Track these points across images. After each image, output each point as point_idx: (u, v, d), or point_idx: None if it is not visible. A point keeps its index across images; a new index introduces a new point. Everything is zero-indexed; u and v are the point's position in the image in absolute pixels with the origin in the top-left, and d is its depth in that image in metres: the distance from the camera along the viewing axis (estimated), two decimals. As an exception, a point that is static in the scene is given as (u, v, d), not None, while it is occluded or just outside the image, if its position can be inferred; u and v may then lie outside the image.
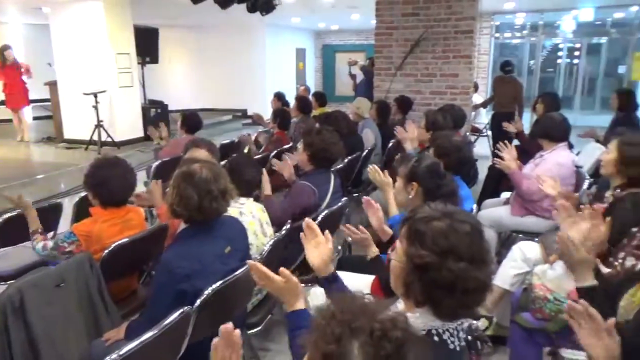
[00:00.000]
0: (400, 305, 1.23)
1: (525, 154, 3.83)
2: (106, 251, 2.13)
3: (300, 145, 3.00)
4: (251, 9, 7.28)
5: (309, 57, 15.37)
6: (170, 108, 9.71)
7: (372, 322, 0.83)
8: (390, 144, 4.96)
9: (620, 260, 1.97)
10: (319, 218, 2.63)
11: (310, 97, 6.64)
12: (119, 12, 8.09)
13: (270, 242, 2.26)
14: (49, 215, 2.63)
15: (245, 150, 4.99)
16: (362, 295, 0.94)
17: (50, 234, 2.64)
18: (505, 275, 2.62)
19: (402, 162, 2.29)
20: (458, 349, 1.16)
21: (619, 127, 4.31)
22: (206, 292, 1.72)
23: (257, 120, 6.41)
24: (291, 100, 6.62)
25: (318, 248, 1.57)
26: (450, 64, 5.92)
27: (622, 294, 1.60)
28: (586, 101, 13.07)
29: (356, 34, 14.85)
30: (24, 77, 8.57)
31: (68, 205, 3.01)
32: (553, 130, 3.35)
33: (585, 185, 3.22)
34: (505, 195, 3.71)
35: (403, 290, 1.19)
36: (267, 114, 6.38)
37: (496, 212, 3.47)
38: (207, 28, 12.60)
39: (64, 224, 2.76)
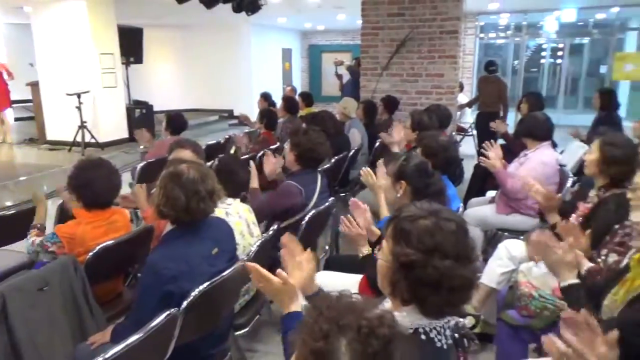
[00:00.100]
0: (387, 304, 1.23)
1: (510, 153, 3.87)
2: (91, 254, 2.10)
3: (287, 146, 3.00)
4: (237, 9, 7.24)
5: (295, 57, 15.36)
6: (155, 109, 9.63)
7: (360, 320, 0.84)
8: (377, 144, 4.97)
9: (603, 257, 2.00)
10: (306, 218, 2.63)
11: (297, 97, 6.63)
12: (102, 11, 8.00)
13: (258, 243, 2.25)
14: (32, 217, 2.58)
15: (232, 151, 4.97)
16: (350, 294, 0.94)
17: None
18: (491, 274, 2.65)
19: (391, 160, 2.29)
20: (445, 347, 1.16)
21: (601, 127, 4.39)
22: (193, 293, 1.71)
23: (243, 120, 6.38)
24: (278, 101, 6.60)
25: (299, 268, 1.50)
26: (436, 64, 5.97)
27: (606, 293, 1.62)
28: (569, 101, 13.27)
29: (342, 34, 14.88)
30: (5, 78, 8.42)
31: (51, 207, 2.96)
32: (536, 130, 3.39)
33: (569, 183, 3.27)
34: (491, 194, 3.75)
35: (389, 289, 1.20)
36: (253, 114, 6.36)
37: (482, 211, 3.51)
38: (193, 28, 12.51)
39: (47, 226, 2.71)
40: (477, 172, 4.40)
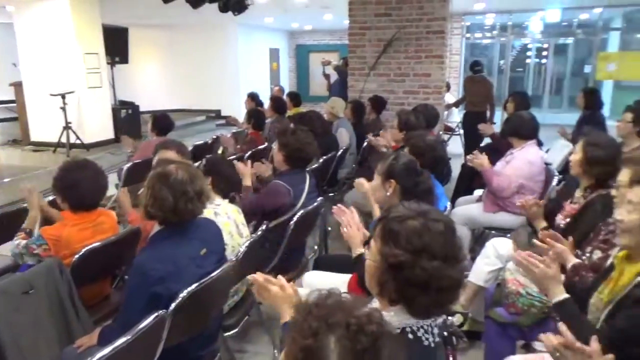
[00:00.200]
0: (375, 303, 1.24)
1: (497, 152, 3.90)
2: (77, 256, 2.08)
3: (275, 146, 2.99)
4: (223, 9, 7.20)
5: (283, 57, 15.33)
6: (141, 109, 9.54)
7: (348, 317, 0.85)
8: (365, 144, 4.99)
9: (588, 254, 2.03)
10: (295, 218, 2.63)
11: (285, 97, 6.62)
12: (86, 10, 7.90)
13: (246, 244, 2.24)
14: (16, 219, 2.54)
15: (220, 151, 4.94)
16: (339, 293, 0.95)
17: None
18: (479, 272, 2.67)
19: (380, 159, 2.30)
20: (433, 345, 1.17)
21: (586, 126, 4.45)
22: (181, 295, 1.69)
23: (231, 122, 6.37)
24: (265, 101, 6.58)
25: (276, 300, 1.40)
26: (423, 63, 6.00)
27: (592, 292, 1.65)
28: (554, 100, 13.44)
29: (330, 34, 14.89)
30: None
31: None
32: (522, 129, 3.43)
33: (555, 181, 3.31)
34: (478, 192, 3.78)
35: (377, 289, 1.20)
36: (241, 114, 6.33)
37: (469, 210, 3.54)
38: (179, 28, 12.43)
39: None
40: (465, 171, 4.44)
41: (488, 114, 6.57)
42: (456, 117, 8.34)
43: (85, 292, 2.16)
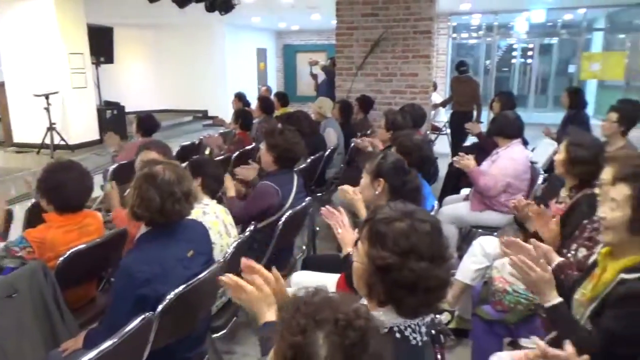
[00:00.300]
0: (364, 302, 1.24)
1: (483, 151, 3.94)
2: (61, 258, 2.05)
3: (263, 146, 2.98)
4: (210, 9, 7.17)
5: (270, 57, 15.30)
6: (127, 109, 9.45)
7: (336, 313, 0.86)
8: (353, 144, 5.00)
9: (573, 252, 2.06)
10: (283, 218, 2.62)
11: (273, 97, 6.61)
12: (70, 9, 7.79)
13: (234, 244, 2.23)
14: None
15: (207, 152, 4.91)
16: (326, 289, 0.95)
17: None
18: (466, 271, 2.69)
19: (368, 159, 2.30)
20: (420, 344, 1.17)
21: (570, 126, 4.50)
22: (168, 297, 1.68)
23: (218, 123, 6.36)
24: (253, 101, 6.56)
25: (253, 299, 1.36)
26: (410, 63, 6.03)
27: (576, 288, 1.67)
28: (539, 99, 13.61)
29: (317, 34, 14.89)
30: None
31: (19, 212, 2.88)
32: (507, 128, 3.46)
33: (540, 180, 3.35)
34: (465, 191, 3.81)
35: (366, 291, 1.20)
36: (228, 114, 6.31)
37: (456, 208, 3.56)
38: (165, 27, 12.34)
39: (15, 231, 2.63)
40: (452, 170, 4.47)
41: (475, 113, 6.62)
42: (443, 116, 8.39)
43: (70, 294, 2.13)
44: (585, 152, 2.28)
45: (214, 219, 2.38)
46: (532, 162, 3.53)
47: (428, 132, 6.44)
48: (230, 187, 2.97)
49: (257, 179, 3.32)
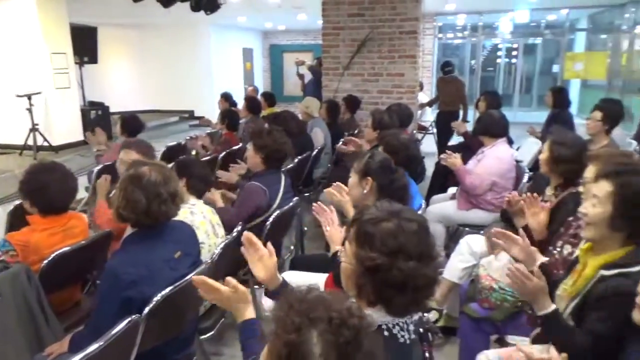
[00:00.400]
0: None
1: (469, 150, 3.97)
2: (45, 261, 2.01)
3: (250, 147, 2.96)
4: (195, 8, 7.12)
5: (257, 57, 15.25)
6: (112, 110, 9.35)
7: (330, 312, 0.86)
8: (340, 143, 5.00)
9: (558, 249, 2.08)
10: (271, 219, 2.62)
11: (259, 97, 6.59)
12: (53, 8, 7.69)
13: (221, 245, 2.22)
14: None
15: (193, 153, 4.88)
16: (318, 288, 0.95)
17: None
18: (453, 269, 2.71)
19: (356, 158, 2.31)
20: (408, 342, 1.18)
21: (554, 125, 4.55)
22: (155, 299, 1.66)
23: (204, 123, 6.32)
24: (239, 101, 6.53)
25: (262, 261, 1.52)
26: (396, 63, 6.05)
27: (559, 284, 1.69)
28: (524, 99, 13.76)
29: (303, 34, 14.88)
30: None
31: (2, 214, 2.83)
32: (492, 127, 3.49)
33: (525, 178, 3.38)
34: (452, 190, 3.83)
35: (355, 291, 1.20)
36: (214, 114, 6.27)
37: (443, 207, 3.59)
38: (150, 27, 12.22)
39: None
40: (439, 169, 4.49)
41: (461, 113, 6.67)
42: (429, 116, 8.44)
43: (55, 298, 2.10)
44: (568, 151, 2.31)
45: (202, 218, 2.38)
46: (517, 161, 3.57)
47: (415, 131, 6.48)
48: (217, 198, 2.94)
49: (240, 181, 3.30)
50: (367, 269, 1.14)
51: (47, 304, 1.96)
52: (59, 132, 7.88)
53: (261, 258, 1.52)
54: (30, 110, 7.22)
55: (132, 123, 4.14)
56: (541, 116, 6.22)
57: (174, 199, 1.82)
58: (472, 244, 2.70)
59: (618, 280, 1.44)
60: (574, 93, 11.31)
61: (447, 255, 2.86)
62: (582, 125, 3.90)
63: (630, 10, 9.78)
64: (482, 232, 3.04)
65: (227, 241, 2.28)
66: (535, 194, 2.29)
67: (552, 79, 13.19)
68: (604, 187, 1.49)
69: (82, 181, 3.71)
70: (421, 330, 1.25)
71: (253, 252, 1.53)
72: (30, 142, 7.36)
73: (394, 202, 1.27)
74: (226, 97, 6.68)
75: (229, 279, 1.37)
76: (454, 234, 3.85)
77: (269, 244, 1.56)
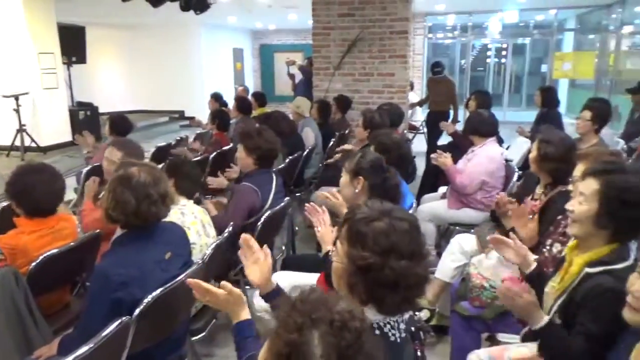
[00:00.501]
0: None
1: (458, 150, 3.99)
2: (33, 264, 1.99)
3: (240, 148, 2.94)
4: (184, 8, 7.08)
5: (247, 57, 15.22)
6: (101, 110, 9.28)
7: (332, 314, 0.86)
8: (331, 143, 5.00)
9: (547, 247, 2.10)
10: (262, 219, 2.61)
11: (250, 97, 6.57)
12: (40, 8, 7.60)
13: (212, 246, 2.21)
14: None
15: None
16: (320, 289, 0.95)
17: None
18: (445, 269, 2.72)
19: (348, 157, 2.31)
20: (399, 340, 1.18)
21: (543, 124, 4.59)
22: (145, 300, 1.65)
23: (195, 124, 6.29)
24: (230, 101, 6.50)
25: (257, 264, 1.53)
26: (387, 63, 6.06)
27: (547, 281, 1.70)
28: (513, 98, 13.87)
29: (294, 33, 14.87)
30: None
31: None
32: (481, 127, 3.51)
33: (515, 177, 3.41)
34: (443, 189, 3.85)
35: (347, 290, 1.20)
36: (205, 115, 6.24)
37: (434, 206, 3.60)
38: (139, 27, 12.14)
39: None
40: (429, 168, 4.51)
41: (452, 113, 6.70)
42: (420, 116, 8.47)
43: (43, 300, 2.08)
44: (554, 149, 2.33)
45: (193, 219, 2.36)
46: (507, 160, 3.59)
47: (405, 131, 6.50)
48: (211, 208, 2.91)
49: (231, 184, 3.29)
50: (359, 268, 1.15)
51: (36, 307, 1.94)
52: (46, 133, 7.80)
53: (256, 261, 1.53)
54: (17, 110, 7.15)
55: (121, 123, 4.11)
56: (530, 115, 6.28)
57: (164, 200, 1.81)
58: (463, 243, 2.71)
59: (601, 278, 1.45)
60: (562, 93, 11.42)
61: (438, 254, 2.87)
62: (571, 124, 3.94)
63: (617, 10, 9.90)
64: (472, 231, 3.05)
65: (218, 241, 2.27)
66: (522, 204, 2.29)
67: (541, 79, 13.31)
68: (591, 185, 1.51)
69: (71, 182, 3.68)
70: (413, 329, 1.26)
71: (250, 254, 1.53)
72: (17, 143, 7.29)
73: (386, 202, 1.27)
74: (216, 98, 6.65)
75: (224, 283, 1.37)
76: (445, 233, 3.87)
77: (265, 246, 1.57)
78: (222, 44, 13.61)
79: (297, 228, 3.85)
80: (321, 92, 6.28)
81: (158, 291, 1.69)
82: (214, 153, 4.36)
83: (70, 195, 3.54)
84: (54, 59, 7.91)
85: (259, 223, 2.59)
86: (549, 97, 5.17)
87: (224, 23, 12.63)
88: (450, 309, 2.39)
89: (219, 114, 5.12)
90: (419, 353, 1.29)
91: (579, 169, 1.64)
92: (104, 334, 1.47)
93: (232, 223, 2.53)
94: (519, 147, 4.72)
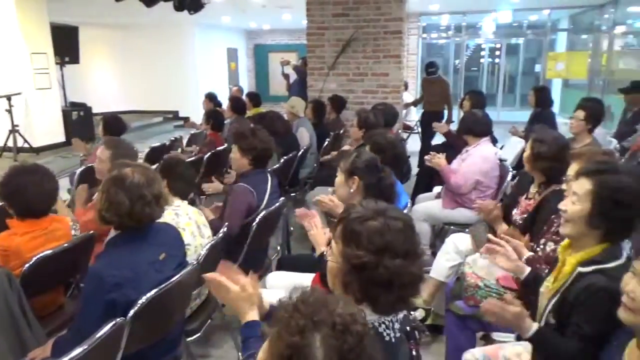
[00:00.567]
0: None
1: (452, 150, 4.00)
2: (27, 265, 1.98)
3: (235, 149, 2.93)
4: (178, 8, 7.06)
5: (241, 57, 15.19)
6: (95, 110, 9.24)
7: (333, 316, 0.85)
8: (326, 143, 5.00)
9: (541, 246, 2.11)
10: (257, 219, 2.60)
11: (244, 97, 6.56)
12: (32, 8, 7.56)
13: (207, 246, 2.20)
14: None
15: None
16: (320, 290, 0.95)
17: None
18: (440, 268, 2.73)
19: (343, 157, 2.31)
20: (393, 340, 1.18)
21: (537, 124, 4.61)
22: (140, 301, 1.64)
23: (189, 126, 6.28)
24: (224, 101, 6.49)
25: (246, 294, 1.38)
26: (381, 63, 6.07)
27: (542, 281, 1.71)
28: (507, 98, 13.93)
29: (288, 33, 14.86)
30: None
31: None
32: (475, 126, 3.52)
33: (509, 177, 3.42)
34: (437, 189, 3.86)
35: (341, 289, 1.20)
36: (199, 115, 6.23)
37: (429, 206, 3.61)
38: (133, 27, 12.08)
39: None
40: (424, 168, 4.52)
41: (445, 113, 6.71)
42: (414, 116, 8.49)
43: (37, 302, 2.07)
44: (547, 148, 2.35)
45: (187, 220, 2.36)
46: (501, 160, 3.61)
47: (400, 131, 6.51)
48: (208, 214, 2.89)
49: (227, 187, 3.28)
50: (353, 266, 1.15)
51: (29, 309, 1.93)
52: (39, 134, 7.76)
53: (244, 289, 1.38)
54: (10, 111, 7.11)
55: (115, 124, 4.09)
56: (524, 115, 6.30)
57: (158, 201, 1.80)
58: (457, 243, 2.72)
59: (593, 277, 1.46)
60: (555, 92, 11.48)
61: (433, 254, 2.88)
62: (564, 124, 3.95)
63: (610, 10, 9.96)
64: (467, 230, 3.06)
65: (213, 242, 2.27)
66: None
67: (534, 79, 13.37)
68: (584, 185, 1.51)
69: (64, 183, 3.65)
70: (408, 328, 1.26)
71: (224, 291, 1.40)
72: (10, 143, 7.24)
73: (380, 201, 1.27)
74: (211, 98, 6.63)
75: (239, 276, 1.38)
76: (440, 232, 3.88)
77: (251, 272, 1.45)
78: (216, 44, 13.58)
79: (292, 228, 3.85)
80: (315, 92, 6.28)
81: (152, 292, 1.68)
82: (209, 153, 4.35)
83: (64, 196, 3.53)
84: (46, 59, 7.87)
85: (254, 223, 2.59)
86: (542, 97, 5.19)
87: (218, 23, 12.60)
88: (445, 308, 2.39)
89: (213, 114, 5.11)
90: (414, 352, 1.29)
91: (572, 168, 1.65)
92: (98, 335, 1.46)
93: (226, 223, 2.52)
94: (513, 147, 4.73)
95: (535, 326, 1.55)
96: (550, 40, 12.82)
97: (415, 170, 4.86)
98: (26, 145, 7.41)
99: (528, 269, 1.81)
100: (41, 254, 2.02)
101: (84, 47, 9.53)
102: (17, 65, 7.54)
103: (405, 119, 7.97)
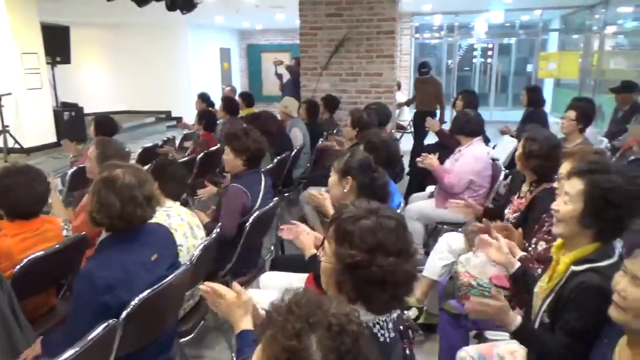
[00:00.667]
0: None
1: (445, 149, 4.01)
2: (18, 267, 1.96)
3: (228, 150, 2.91)
4: (171, 7, 7.02)
5: (234, 57, 15.15)
6: (86, 111, 9.18)
7: (328, 317, 0.85)
8: (319, 143, 5.00)
9: (533, 246, 2.12)
10: (250, 219, 2.60)
11: (237, 97, 6.54)
12: (22, 7, 7.50)
13: (200, 247, 2.19)
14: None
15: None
16: (313, 290, 0.95)
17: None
18: (433, 267, 2.74)
19: (336, 157, 2.31)
20: (388, 340, 1.18)
21: (529, 124, 4.64)
22: (132, 303, 1.63)
23: (182, 127, 6.26)
24: (217, 101, 6.47)
25: (237, 305, 1.41)
26: (374, 63, 6.08)
27: (537, 281, 1.72)
28: (500, 98, 13.99)
29: (281, 33, 14.84)
30: None
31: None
32: (468, 126, 3.54)
33: (502, 176, 3.44)
34: (430, 189, 3.87)
35: (335, 289, 1.20)
36: (192, 115, 6.20)
37: (422, 205, 3.62)
38: (125, 27, 12.02)
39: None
40: (417, 168, 4.52)
41: (438, 113, 6.73)
42: (407, 115, 8.51)
43: (29, 303, 2.05)
44: (539, 147, 2.37)
45: (179, 221, 2.34)
46: (493, 159, 3.62)
47: (393, 130, 6.52)
48: (203, 218, 2.89)
49: (221, 190, 3.27)
50: (346, 266, 1.15)
51: (20, 310, 1.91)
52: (30, 134, 7.70)
53: (230, 307, 1.42)
54: (0, 111, 7.02)
55: (107, 124, 4.07)
56: (517, 115, 6.33)
57: (150, 202, 1.79)
58: (450, 242, 2.73)
59: (586, 275, 1.47)
60: (547, 92, 11.55)
61: (426, 253, 2.89)
62: (556, 123, 3.97)
63: (601, 11, 10.04)
64: (460, 229, 3.07)
65: (206, 242, 2.26)
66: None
67: (526, 79, 13.45)
68: (576, 185, 1.52)
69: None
70: (401, 327, 1.26)
71: (215, 300, 1.43)
72: (0, 144, 7.17)
73: (373, 201, 1.28)
74: (203, 98, 6.61)
75: (235, 284, 1.40)
76: (433, 231, 3.89)
77: (235, 285, 1.46)
78: (208, 44, 13.54)
79: (285, 228, 3.83)
80: (309, 92, 6.28)
81: (145, 293, 1.67)
82: (202, 154, 4.33)
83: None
84: (37, 59, 7.81)
85: (247, 223, 2.58)
86: (535, 96, 5.21)
87: (211, 23, 12.56)
88: (439, 307, 2.40)
89: (206, 115, 5.09)
90: (407, 352, 1.29)
91: (564, 168, 1.66)
92: (90, 337, 1.45)
93: (219, 224, 2.52)
94: (505, 146, 4.75)
95: (519, 319, 1.57)
96: (542, 40, 12.90)
97: (407, 169, 4.86)
98: (17, 145, 7.35)
99: (518, 264, 1.82)
100: (32, 255, 2.00)
101: (75, 47, 9.46)
102: (8, 65, 7.47)
103: (398, 119, 7.99)
